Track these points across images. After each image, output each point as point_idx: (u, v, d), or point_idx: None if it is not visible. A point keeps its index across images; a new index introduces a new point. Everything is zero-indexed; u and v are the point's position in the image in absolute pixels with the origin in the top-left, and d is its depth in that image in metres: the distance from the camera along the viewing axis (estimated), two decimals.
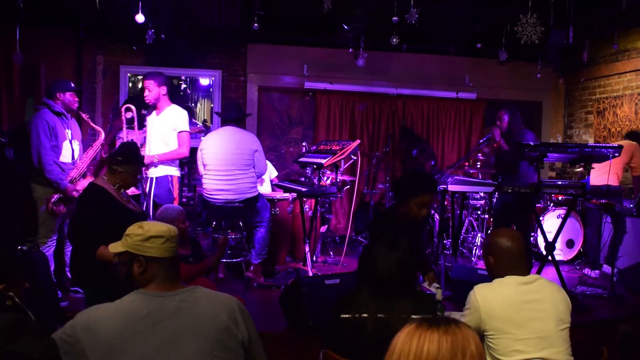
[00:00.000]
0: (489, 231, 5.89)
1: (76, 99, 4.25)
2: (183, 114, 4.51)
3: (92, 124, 4.37)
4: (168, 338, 1.67)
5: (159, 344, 1.66)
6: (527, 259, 2.30)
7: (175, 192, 4.46)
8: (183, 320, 1.71)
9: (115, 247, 1.92)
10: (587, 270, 5.24)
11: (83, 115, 4.33)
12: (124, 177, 3.06)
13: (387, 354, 1.19)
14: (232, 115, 4.82)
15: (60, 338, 1.68)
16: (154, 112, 4.56)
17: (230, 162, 4.58)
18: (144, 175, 4.44)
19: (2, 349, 1.36)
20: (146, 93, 4.45)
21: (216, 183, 4.62)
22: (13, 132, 5.60)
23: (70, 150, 4.21)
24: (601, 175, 5.16)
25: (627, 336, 2.58)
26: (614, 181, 5.19)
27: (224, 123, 4.88)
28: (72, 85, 4.29)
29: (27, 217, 5.00)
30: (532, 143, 4.14)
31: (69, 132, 4.21)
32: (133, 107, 4.47)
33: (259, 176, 4.88)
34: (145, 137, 4.52)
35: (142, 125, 4.60)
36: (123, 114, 4.47)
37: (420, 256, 3.87)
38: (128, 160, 3.07)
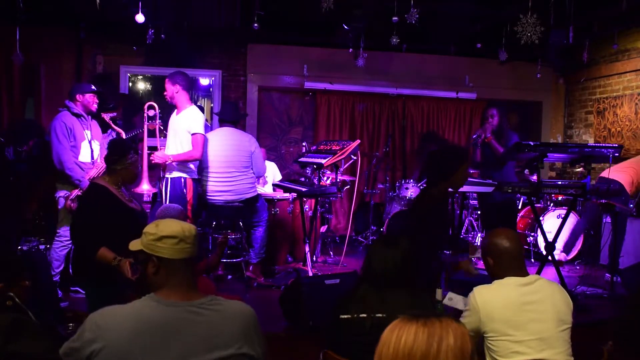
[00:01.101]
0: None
1: (96, 100, 4.33)
2: (198, 115, 4.45)
3: (112, 125, 4.41)
4: (178, 354, 1.60)
5: (167, 359, 1.60)
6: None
7: (189, 195, 4.42)
8: (195, 337, 1.63)
9: (134, 245, 1.85)
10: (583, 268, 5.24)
11: (104, 116, 4.41)
12: (124, 173, 3.06)
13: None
14: (229, 116, 4.84)
15: (70, 348, 1.62)
16: (175, 112, 4.58)
17: (229, 164, 4.61)
18: (162, 175, 4.48)
19: (2, 349, 1.36)
20: (165, 92, 4.53)
21: (215, 184, 4.63)
22: (13, 130, 5.60)
23: (89, 150, 4.27)
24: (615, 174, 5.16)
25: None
26: (628, 183, 5.17)
27: (222, 123, 4.90)
28: (93, 87, 4.36)
29: (26, 216, 5.01)
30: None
31: (88, 133, 4.27)
32: (155, 105, 4.48)
33: (258, 177, 4.89)
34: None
35: (104, 129, 4.63)
36: (145, 111, 4.48)
37: (452, 234, 3.86)
38: (122, 153, 3.06)
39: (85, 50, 6.51)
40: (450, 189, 3.34)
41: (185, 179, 4.42)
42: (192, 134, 4.38)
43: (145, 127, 4.45)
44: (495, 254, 2.26)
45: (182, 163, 4.41)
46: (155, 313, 1.64)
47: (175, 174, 4.42)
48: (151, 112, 4.46)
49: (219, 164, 4.62)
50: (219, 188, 4.63)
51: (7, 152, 5.14)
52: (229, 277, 5.01)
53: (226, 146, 4.65)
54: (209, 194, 4.67)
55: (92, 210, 2.96)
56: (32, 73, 6.19)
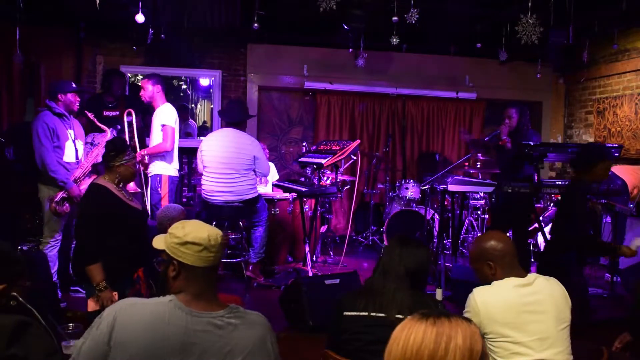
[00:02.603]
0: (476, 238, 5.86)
1: (77, 99, 4.25)
2: (169, 109, 4.68)
3: (98, 123, 4.38)
4: None
5: None
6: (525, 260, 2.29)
7: (163, 191, 4.57)
8: (210, 350, 1.60)
9: (158, 243, 1.78)
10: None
11: (89, 114, 4.36)
12: (122, 170, 3.06)
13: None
14: (231, 117, 4.83)
15: (86, 338, 1.58)
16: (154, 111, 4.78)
17: (229, 166, 4.60)
18: (147, 174, 4.61)
19: (4, 352, 1.35)
20: (142, 92, 4.75)
21: (216, 185, 4.63)
22: (12, 131, 5.60)
23: (73, 150, 4.22)
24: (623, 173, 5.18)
25: None
26: (631, 184, 5.18)
27: (226, 123, 4.90)
28: (74, 85, 4.27)
29: (25, 216, 5.01)
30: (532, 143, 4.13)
31: (71, 132, 4.21)
32: (132, 112, 4.71)
33: (264, 176, 4.95)
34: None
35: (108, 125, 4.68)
36: (125, 118, 4.68)
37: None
38: (119, 151, 3.07)
39: (85, 50, 6.52)
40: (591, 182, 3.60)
41: (160, 176, 4.58)
42: (162, 126, 4.59)
43: (127, 132, 4.62)
44: (497, 256, 2.21)
45: (158, 160, 4.60)
46: (175, 320, 1.60)
47: (152, 172, 4.60)
48: (129, 119, 4.66)
49: (219, 165, 4.61)
50: (218, 188, 4.62)
51: (7, 152, 5.14)
52: (220, 273, 5.01)
53: (226, 147, 4.63)
54: (209, 194, 4.67)
55: (93, 209, 2.95)
56: (32, 73, 6.19)
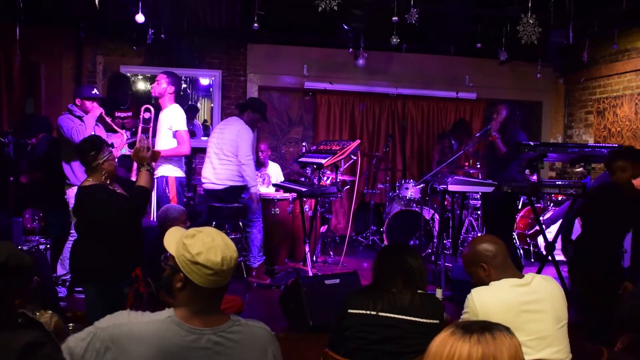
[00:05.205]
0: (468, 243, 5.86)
1: (94, 105, 4.30)
2: (179, 112, 4.59)
3: (115, 126, 4.42)
4: None
5: None
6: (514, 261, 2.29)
7: (171, 193, 4.52)
8: None
9: (169, 244, 1.66)
10: None
11: (107, 118, 4.42)
12: (106, 166, 3.02)
13: (423, 357, 1.20)
14: (240, 106, 5.17)
15: (75, 347, 1.52)
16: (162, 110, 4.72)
17: (214, 148, 4.89)
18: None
19: None
20: (154, 84, 4.60)
21: (205, 169, 4.93)
22: (20, 124, 5.62)
23: None
24: None
25: None
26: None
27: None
28: (93, 92, 4.35)
29: (25, 216, 5.00)
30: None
31: None
32: (152, 108, 4.58)
33: (240, 160, 4.83)
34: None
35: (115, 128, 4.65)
36: (142, 113, 4.57)
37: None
38: (98, 148, 3.02)
39: (85, 50, 6.51)
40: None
41: (166, 177, 4.52)
42: (176, 131, 4.50)
43: (140, 127, 4.53)
44: (488, 258, 2.22)
45: (166, 162, 4.51)
46: (175, 340, 1.53)
47: (159, 173, 4.51)
48: (147, 115, 4.55)
49: (209, 148, 4.94)
50: (205, 173, 4.93)
51: (8, 150, 5.14)
52: None
53: (218, 132, 4.94)
54: (202, 180, 5.00)
55: (89, 209, 2.94)
56: (32, 73, 6.19)
